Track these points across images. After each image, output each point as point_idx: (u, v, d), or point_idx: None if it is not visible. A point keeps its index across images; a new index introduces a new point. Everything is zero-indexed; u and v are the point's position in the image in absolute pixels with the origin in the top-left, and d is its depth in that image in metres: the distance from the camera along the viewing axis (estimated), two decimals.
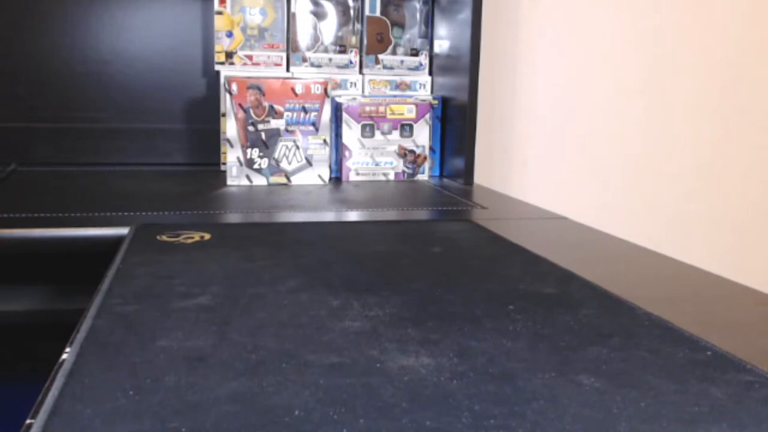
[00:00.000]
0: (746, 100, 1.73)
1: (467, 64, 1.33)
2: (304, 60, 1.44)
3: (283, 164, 1.30)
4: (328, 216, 1.04)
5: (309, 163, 1.31)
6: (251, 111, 1.27)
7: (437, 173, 1.48)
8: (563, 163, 1.66)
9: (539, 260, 0.77)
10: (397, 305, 0.60)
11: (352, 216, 1.05)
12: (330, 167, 1.35)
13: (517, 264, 0.76)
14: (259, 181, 1.29)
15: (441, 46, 1.48)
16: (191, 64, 1.47)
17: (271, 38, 1.43)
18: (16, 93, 1.42)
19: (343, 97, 1.41)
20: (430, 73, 1.51)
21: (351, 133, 1.37)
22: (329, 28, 1.45)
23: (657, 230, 1.70)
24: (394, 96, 1.48)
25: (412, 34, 1.50)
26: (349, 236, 0.88)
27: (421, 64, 1.51)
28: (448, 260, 0.77)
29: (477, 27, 1.32)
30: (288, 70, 1.44)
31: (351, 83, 1.46)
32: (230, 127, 1.27)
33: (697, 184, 1.73)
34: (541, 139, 1.65)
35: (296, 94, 1.29)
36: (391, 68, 1.49)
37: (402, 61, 1.49)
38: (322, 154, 1.31)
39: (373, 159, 1.38)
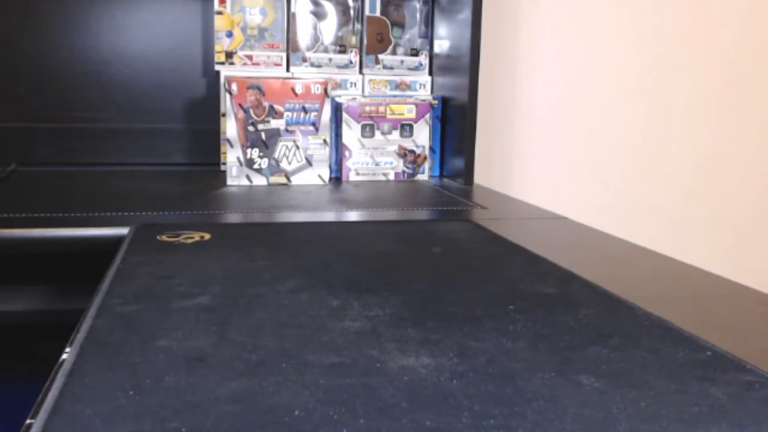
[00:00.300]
0: (746, 100, 1.73)
1: (467, 64, 1.33)
2: (304, 60, 1.44)
3: (283, 164, 1.30)
4: (328, 216, 1.04)
5: (309, 163, 1.31)
6: (251, 111, 1.27)
7: (437, 173, 1.48)
8: (563, 163, 1.66)
9: (539, 260, 0.77)
10: (397, 305, 0.60)
11: (352, 216, 1.05)
12: (330, 167, 1.35)
13: (517, 264, 0.76)
14: (259, 181, 1.29)
15: (441, 46, 1.48)
16: (191, 64, 1.47)
17: (271, 38, 1.43)
18: (16, 93, 1.42)
19: (343, 97, 1.41)
20: (430, 73, 1.51)
21: (351, 133, 1.37)
22: (329, 28, 1.45)
23: (657, 230, 1.70)
24: (394, 96, 1.48)
25: (412, 34, 1.50)
26: (349, 236, 0.88)
27: (421, 64, 1.51)
28: (448, 260, 0.77)
29: (477, 27, 1.32)
30: (288, 70, 1.44)
31: (351, 83, 1.46)
32: (230, 127, 1.27)
33: (697, 184, 1.73)
34: (541, 139, 1.65)
35: (296, 94, 1.29)
36: (391, 68, 1.49)
37: (402, 61, 1.49)
38: (322, 154, 1.31)
39: (373, 159, 1.38)
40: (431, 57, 1.51)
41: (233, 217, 1.01)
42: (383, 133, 1.38)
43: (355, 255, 0.78)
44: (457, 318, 0.57)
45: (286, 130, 1.29)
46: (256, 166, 1.28)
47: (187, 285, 0.64)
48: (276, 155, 1.29)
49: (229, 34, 1.41)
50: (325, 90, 1.30)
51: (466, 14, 1.34)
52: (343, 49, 1.46)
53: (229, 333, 0.52)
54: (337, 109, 1.38)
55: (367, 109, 1.37)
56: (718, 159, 1.73)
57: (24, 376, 1.16)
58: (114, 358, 0.47)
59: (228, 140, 1.27)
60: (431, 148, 1.44)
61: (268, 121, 1.28)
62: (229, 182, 1.27)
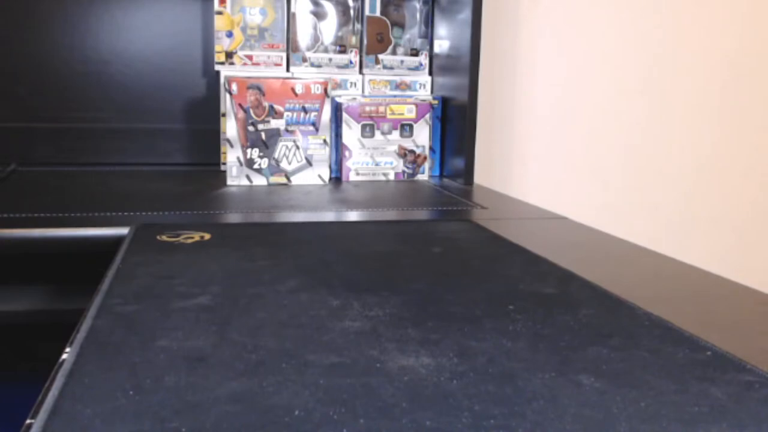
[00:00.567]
0: (746, 100, 1.73)
1: (467, 64, 1.33)
2: (304, 60, 1.44)
3: (283, 164, 1.30)
4: (328, 216, 1.04)
5: (309, 163, 1.31)
6: (251, 111, 1.27)
7: (437, 173, 1.48)
8: (563, 163, 1.66)
9: (539, 260, 0.77)
10: (397, 305, 0.60)
11: (352, 216, 1.05)
12: (330, 167, 1.35)
13: (517, 264, 0.76)
14: (259, 181, 1.29)
15: (441, 46, 1.48)
16: (191, 64, 1.47)
17: (271, 38, 1.43)
18: (16, 93, 1.42)
19: (343, 97, 1.41)
20: (430, 73, 1.51)
21: (351, 133, 1.37)
22: (329, 28, 1.45)
23: (657, 230, 1.70)
24: (394, 96, 1.48)
25: (412, 34, 1.50)
26: (349, 236, 0.88)
27: (421, 64, 1.51)
28: (448, 260, 0.77)
29: (477, 27, 1.32)
30: (288, 70, 1.44)
31: (351, 83, 1.46)
32: (230, 127, 1.27)
33: (697, 184, 1.73)
34: (541, 139, 1.65)
35: (296, 94, 1.29)
36: (391, 68, 1.49)
37: (402, 61, 1.49)
38: (322, 154, 1.31)
39: (373, 159, 1.38)
40: (431, 57, 1.51)
41: (233, 217, 1.01)
42: (383, 133, 1.38)
43: (355, 255, 0.78)
44: (457, 318, 0.57)
45: (286, 130, 1.29)
46: (256, 166, 1.28)
47: (187, 285, 0.64)
48: (276, 155, 1.29)
49: (229, 34, 1.41)
50: (325, 90, 1.30)
51: (466, 14, 1.34)
52: (343, 49, 1.46)
53: (229, 333, 0.52)
54: (337, 109, 1.38)
55: (367, 109, 1.37)
56: (718, 159, 1.73)
57: (24, 376, 1.16)
58: (114, 358, 0.47)
59: (228, 140, 1.27)
60: (431, 148, 1.44)
61: (268, 121, 1.28)
62: (229, 182, 1.27)
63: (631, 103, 1.68)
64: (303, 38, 1.44)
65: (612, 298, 0.64)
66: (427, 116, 1.41)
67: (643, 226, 1.69)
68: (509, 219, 1.07)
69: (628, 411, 0.41)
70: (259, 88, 1.27)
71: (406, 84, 1.49)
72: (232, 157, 1.27)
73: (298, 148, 1.30)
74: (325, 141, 1.31)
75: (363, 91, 1.47)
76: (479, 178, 1.41)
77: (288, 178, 1.30)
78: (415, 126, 1.40)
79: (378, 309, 0.59)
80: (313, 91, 1.29)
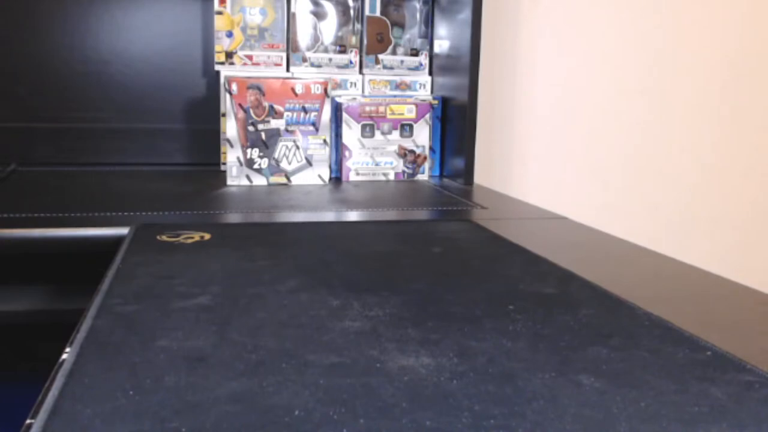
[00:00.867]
0: (746, 100, 1.73)
1: (467, 64, 1.33)
2: (304, 60, 1.44)
3: (283, 164, 1.30)
4: (328, 216, 1.04)
5: (309, 163, 1.31)
6: (251, 111, 1.27)
7: (437, 173, 1.48)
8: (563, 163, 1.66)
9: (539, 260, 0.77)
10: (397, 305, 0.60)
11: (352, 216, 1.05)
12: (330, 167, 1.35)
13: (517, 264, 0.76)
14: (259, 181, 1.29)
15: (441, 46, 1.48)
16: (191, 64, 1.47)
17: (271, 38, 1.43)
18: (16, 93, 1.42)
19: (343, 97, 1.41)
20: (430, 73, 1.51)
21: (351, 133, 1.37)
22: (329, 28, 1.45)
23: (657, 230, 1.70)
24: (394, 96, 1.48)
25: (412, 34, 1.50)
26: (349, 236, 0.88)
27: (421, 64, 1.51)
28: (448, 260, 0.77)
29: (477, 27, 1.32)
30: (288, 70, 1.44)
31: (351, 83, 1.46)
32: (230, 127, 1.27)
33: (697, 184, 1.73)
34: (541, 139, 1.65)
35: (296, 94, 1.29)
36: (391, 68, 1.49)
37: (402, 61, 1.49)
38: (322, 154, 1.31)
39: (373, 159, 1.38)
40: (431, 57, 1.51)
41: (233, 217, 1.01)
42: (383, 133, 1.38)
43: (355, 255, 0.78)
44: (457, 318, 0.57)
45: (286, 130, 1.29)
46: (256, 166, 1.28)
47: (187, 285, 0.64)
48: (276, 155, 1.29)
49: (229, 34, 1.41)
50: (325, 90, 1.30)
51: (466, 14, 1.34)
52: (343, 49, 1.46)
53: (229, 333, 0.52)
54: (337, 109, 1.38)
55: (367, 109, 1.37)
56: (718, 159, 1.73)
57: (24, 376, 1.16)
58: (114, 358, 0.47)
59: (228, 140, 1.27)
60: (431, 148, 1.44)
61: (268, 121, 1.28)
62: (229, 182, 1.27)
63: (631, 103, 1.67)
64: (303, 38, 1.44)
65: (612, 298, 0.64)
66: (427, 116, 1.41)
67: (643, 226, 1.69)
68: (509, 219, 1.07)
69: (628, 411, 0.41)
70: (259, 88, 1.27)
71: (406, 84, 1.49)
72: (232, 157, 1.27)
73: (298, 148, 1.30)
74: (325, 141, 1.31)
75: (363, 91, 1.47)
76: (479, 178, 1.41)
77: (288, 178, 1.30)
78: (415, 126, 1.40)
79: (378, 309, 0.59)
80: (313, 91, 1.29)
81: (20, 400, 0.95)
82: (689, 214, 1.73)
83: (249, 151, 1.28)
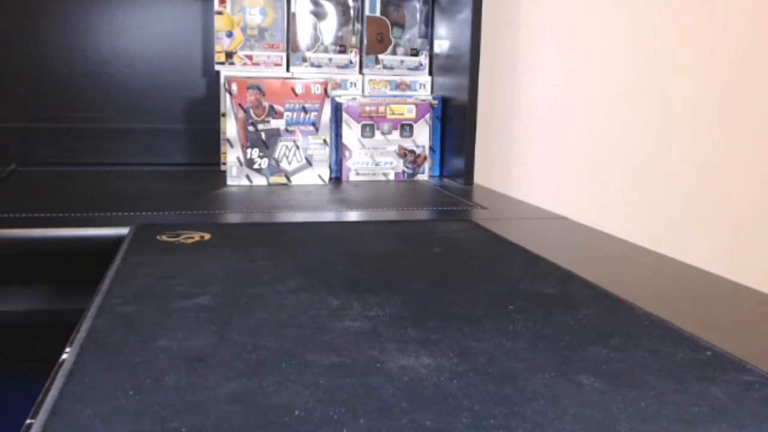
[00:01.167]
0: (746, 100, 1.73)
1: (467, 64, 1.33)
2: (304, 60, 1.44)
3: (283, 164, 1.30)
4: (328, 216, 1.04)
5: (309, 163, 1.31)
6: (251, 111, 1.27)
7: (437, 173, 1.48)
8: (563, 163, 1.66)
9: (539, 260, 0.77)
10: (397, 305, 0.60)
11: (352, 216, 1.05)
12: (330, 167, 1.35)
13: (517, 264, 0.76)
14: (259, 181, 1.29)
15: (441, 46, 1.48)
16: (191, 64, 1.47)
17: (271, 38, 1.43)
18: (16, 93, 1.42)
19: (343, 97, 1.41)
20: (430, 73, 1.51)
21: (351, 133, 1.37)
22: (329, 28, 1.45)
23: (657, 230, 1.70)
24: (394, 96, 1.48)
25: (412, 34, 1.50)
26: (349, 236, 0.88)
27: (421, 64, 1.51)
28: (448, 260, 0.77)
29: (477, 27, 1.32)
30: (288, 70, 1.44)
31: (351, 83, 1.46)
32: (230, 127, 1.27)
33: (697, 184, 1.73)
34: (541, 139, 1.65)
35: (296, 94, 1.29)
36: (391, 68, 1.49)
37: (402, 61, 1.49)
38: (322, 154, 1.31)
39: (373, 159, 1.38)
40: (431, 57, 1.51)
41: (233, 217, 1.01)
42: (383, 133, 1.38)
43: (355, 255, 0.78)
44: (457, 318, 0.57)
45: (286, 130, 1.29)
46: (256, 166, 1.28)
47: (187, 285, 0.64)
48: (276, 155, 1.29)
49: (229, 34, 1.41)
50: (325, 90, 1.30)
51: (466, 14, 1.34)
52: (343, 49, 1.46)
53: (229, 333, 0.52)
54: (337, 109, 1.38)
55: (367, 109, 1.37)
56: (718, 159, 1.73)
57: (24, 376, 1.16)
58: (114, 358, 0.47)
59: (228, 140, 1.27)
60: (431, 148, 1.44)
61: (268, 121, 1.28)
62: (229, 182, 1.27)
63: (631, 103, 1.67)
64: (303, 38, 1.44)
65: (612, 298, 0.64)
66: (427, 116, 1.41)
67: (643, 226, 1.69)
68: (509, 219, 1.07)
69: (628, 411, 0.41)
70: (259, 88, 1.27)
71: (406, 84, 1.49)
72: (232, 157, 1.27)
73: (298, 148, 1.30)
74: (325, 141, 1.31)
75: (363, 91, 1.47)
76: (479, 178, 1.41)
77: (288, 178, 1.30)
78: (415, 126, 1.40)
79: (378, 309, 0.59)
80: (313, 91, 1.29)
81: (20, 400, 0.95)
82: (689, 214, 1.73)
83: (249, 151, 1.28)
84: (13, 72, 1.41)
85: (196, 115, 1.48)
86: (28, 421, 0.39)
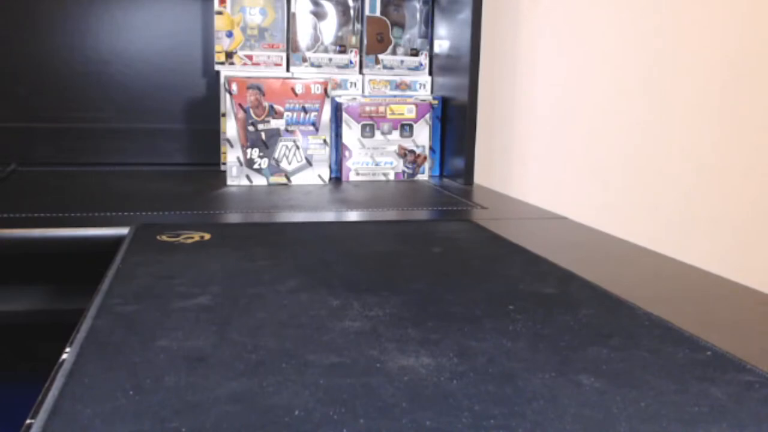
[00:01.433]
0: (746, 100, 1.73)
1: (467, 64, 1.33)
2: (304, 60, 1.44)
3: (283, 164, 1.30)
4: (328, 216, 1.04)
5: (309, 163, 1.31)
6: (251, 111, 1.27)
7: (437, 173, 1.48)
8: (563, 163, 1.66)
9: (539, 260, 0.77)
10: (397, 305, 0.60)
11: (352, 216, 1.05)
12: (330, 167, 1.35)
13: (517, 264, 0.76)
14: (259, 181, 1.29)
15: (441, 46, 1.48)
16: (191, 64, 1.47)
17: (271, 38, 1.43)
18: (16, 93, 1.42)
19: (343, 97, 1.41)
20: (430, 73, 1.51)
21: (351, 133, 1.37)
22: (329, 28, 1.45)
23: (657, 230, 1.70)
24: (394, 96, 1.48)
25: (412, 34, 1.50)
26: (349, 236, 0.88)
27: (421, 64, 1.51)
28: (448, 260, 0.77)
29: (477, 27, 1.32)
30: (288, 70, 1.44)
31: (351, 83, 1.46)
32: (230, 127, 1.27)
33: (697, 184, 1.73)
34: (541, 139, 1.65)
35: (296, 94, 1.29)
36: (391, 68, 1.49)
37: (402, 61, 1.49)
38: (322, 154, 1.31)
39: (373, 159, 1.38)
40: (431, 57, 1.51)
41: (233, 217, 1.01)
42: (383, 133, 1.38)
43: (355, 255, 0.78)
44: (457, 318, 0.57)
45: (286, 130, 1.29)
46: (256, 166, 1.28)
47: (187, 285, 0.64)
48: (276, 155, 1.29)
49: (229, 34, 1.41)
50: (325, 90, 1.30)
51: (466, 14, 1.34)
52: (343, 49, 1.46)
53: (229, 333, 0.52)
54: (337, 109, 1.38)
55: (367, 109, 1.37)
56: (718, 159, 1.73)
57: (24, 376, 1.16)
58: (114, 358, 0.47)
59: (228, 140, 1.27)
60: (431, 148, 1.44)
61: (268, 121, 1.28)
62: (229, 182, 1.27)
63: (631, 103, 1.67)
64: (303, 38, 1.44)
65: (612, 298, 0.64)
66: (427, 116, 1.41)
67: (643, 226, 1.69)
68: (509, 219, 1.07)
69: (628, 411, 0.41)
70: (259, 88, 1.27)
71: (406, 84, 1.49)
72: (232, 157, 1.27)
73: (298, 148, 1.30)
74: (325, 141, 1.31)
75: (363, 91, 1.47)
76: (479, 178, 1.41)
77: (288, 178, 1.30)
78: (415, 126, 1.40)
79: (378, 309, 0.59)
80: (313, 91, 1.29)
81: (20, 400, 0.95)
82: (689, 214, 1.73)
83: (249, 151, 1.28)
84: (13, 72, 1.41)
85: (196, 115, 1.48)
86: (28, 421, 0.39)
